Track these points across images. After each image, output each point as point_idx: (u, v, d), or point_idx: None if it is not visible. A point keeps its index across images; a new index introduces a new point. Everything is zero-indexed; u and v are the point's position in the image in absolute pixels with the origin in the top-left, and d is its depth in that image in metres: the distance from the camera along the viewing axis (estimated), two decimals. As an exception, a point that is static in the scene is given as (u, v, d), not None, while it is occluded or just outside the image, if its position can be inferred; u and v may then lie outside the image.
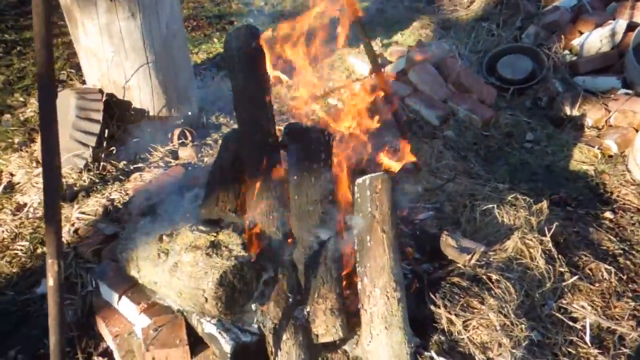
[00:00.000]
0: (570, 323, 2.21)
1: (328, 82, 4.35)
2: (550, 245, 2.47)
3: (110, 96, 3.31)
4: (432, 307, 2.09)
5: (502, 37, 4.78)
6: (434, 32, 5.18)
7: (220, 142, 3.50)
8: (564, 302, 2.30)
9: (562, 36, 4.43)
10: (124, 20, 3.06)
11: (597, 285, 2.42)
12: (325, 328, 1.92)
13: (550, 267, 2.38)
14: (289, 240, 2.03)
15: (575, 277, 2.39)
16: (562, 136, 3.68)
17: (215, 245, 1.89)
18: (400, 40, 5.14)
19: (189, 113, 3.63)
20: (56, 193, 1.32)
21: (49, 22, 1.14)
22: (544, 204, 2.71)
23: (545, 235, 2.48)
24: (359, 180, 1.99)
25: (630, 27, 4.22)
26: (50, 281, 1.33)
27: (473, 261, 2.27)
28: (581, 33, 4.50)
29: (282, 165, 2.13)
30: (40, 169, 3.17)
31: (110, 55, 3.17)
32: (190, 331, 1.99)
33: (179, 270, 1.88)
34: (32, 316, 2.41)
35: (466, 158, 3.43)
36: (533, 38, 4.63)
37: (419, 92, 4.04)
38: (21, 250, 2.71)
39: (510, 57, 4.39)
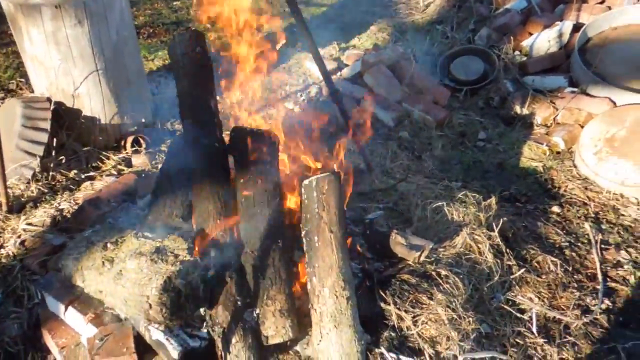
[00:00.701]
0: (518, 315, 2.27)
1: (285, 87, 4.37)
2: (498, 240, 2.53)
3: (59, 105, 3.25)
4: (383, 305, 2.11)
5: (456, 39, 4.88)
6: (391, 35, 5.25)
7: (167, 146, 3.47)
8: (511, 294, 2.36)
9: (513, 38, 4.55)
10: (71, 28, 3.01)
11: (543, 277, 2.49)
12: (275, 329, 1.92)
13: (499, 261, 2.44)
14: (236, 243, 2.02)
15: (523, 270, 2.45)
16: (512, 134, 3.78)
17: (160, 251, 1.86)
18: (357, 44, 5.20)
19: (143, 120, 3.58)
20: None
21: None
22: (493, 200, 2.77)
23: (493, 231, 2.54)
24: (306, 182, 2.00)
25: (576, 28, 4.37)
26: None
27: (422, 258, 2.31)
28: (531, 34, 4.64)
29: (230, 168, 2.12)
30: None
31: (57, 63, 3.11)
32: (139, 339, 1.95)
33: (123, 277, 1.85)
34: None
35: (420, 158, 3.49)
36: (485, 40, 4.74)
37: (374, 94, 4.09)
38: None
39: (463, 59, 4.49)
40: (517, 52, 4.50)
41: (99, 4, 3.05)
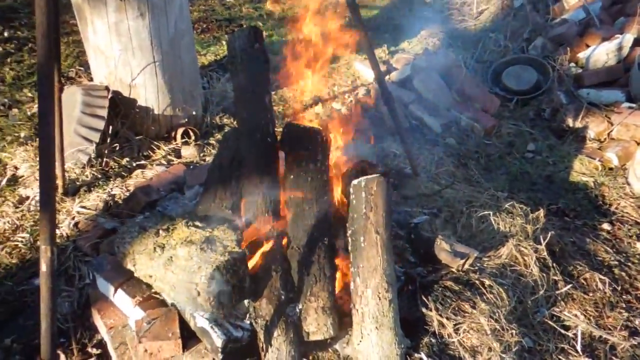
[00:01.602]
0: (562, 331, 2.21)
1: (333, 87, 4.39)
2: (545, 253, 2.47)
3: (116, 94, 3.36)
4: (424, 310, 2.10)
5: (509, 48, 4.80)
6: (441, 41, 5.20)
7: (221, 139, 3.54)
8: (556, 310, 2.30)
9: (569, 49, 4.44)
10: (133, 20, 3.11)
11: (590, 294, 2.42)
12: (317, 326, 1.94)
13: (544, 275, 2.39)
14: (284, 238, 2.05)
15: (569, 286, 2.39)
16: (563, 147, 3.68)
17: (210, 241, 1.91)
18: (407, 48, 5.17)
19: (194, 113, 3.67)
20: (51, 181, 1.34)
21: (50, 13, 1.18)
22: (541, 213, 2.71)
23: (540, 244, 2.49)
24: (355, 182, 2.01)
25: (638, 41, 4.23)
26: (43, 267, 1.36)
27: (466, 266, 2.28)
28: (588, 46, 4.51)
29: (280, 164, 2.15)
30: (44, 163, 3.21)
31: (117, 54, 3.22)
32: (183, 325, 2.01)
33: (173, 264, 1.90)
34: (28, 307, 2.44)
35: (466, 166, 3.45)
36: (540, 50, 4.65)
37: (423, 99, 4.06)
38: (21, 241, 2.74)
39: (515, 68, 4.41)
40: (572, 64, 4.39)
41: (160, -3, 3.15)
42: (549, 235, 2.51)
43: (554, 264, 2.46)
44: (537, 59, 4.44)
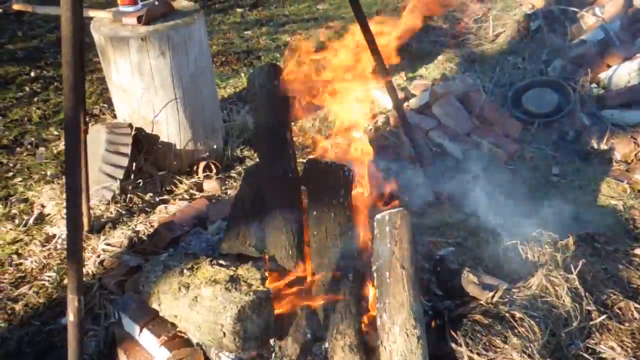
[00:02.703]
0: (599, 365, 2.13)
1: (351, 116, 4.40)
2: (577, 282, 2.40)
3: (139, 130, 3.42)
4: (453, 345, 2.05)
5: (528, 70, 4.77)
6: (459, 65, 5.20)
7: (242, 175, 3.57)
8: (591, 342, 2.22)
9: (589, 69, 4.40)
10: (155, 59, 3.18)
11: (626, 324, 2.33)
12: (344, 365, 1.90)
13: (577, 305, 2.31)
14: (308, 275, 2.03)
15: (604, 316, 2.31)
16: (589, 170, 3.61)
17: (234, 280, 1.90)
18: (424, 74, 5.18)
19: (215, 146, 3.71)
20: (78, 230, 1.36)
21: (77, 67, 1.21)
22: (570, 240, 2.65)
23: (571, 273, 2.42)
24: (378, 216, 2.00)
25: (660, 59, 4.18)
26: (71, 316, 1.37)
27: (496, 298, 2.23)
28: (609, 66, 4.47)
29: (303, 200, 2.15)
30: (70, 201, 3.27)
31: (140, 92, 3.29)
32: (209, 365, 1.99)
33: (198, 304, 1.89)
34: (56, 347, 2.45)
35: (490, 192, 3.39)
36: (559, 71, 4.61)
37: (442, 126, 4.05)
38: (48, 280, 2.77)
39: (535, 91, 4.37)
40: (593, 85, 4.34)
41: (180, 35, 3.22)
42: (580, 263, 2.44)
43: (587, 294, 2.38)
44: (558, 81, 4.40)
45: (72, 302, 1.37)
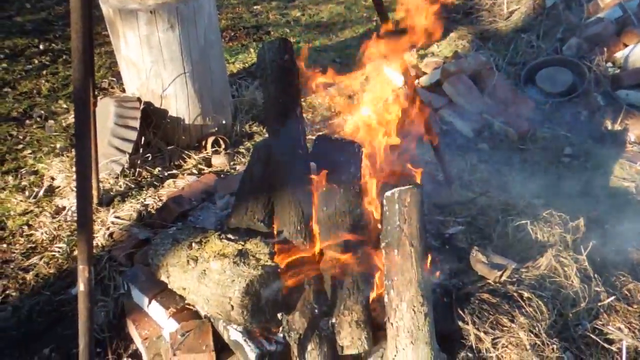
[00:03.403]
0: (606, 345, 2.13)
1: (361, 93, 4.35)
2: (586, 264, 2.39)
3: (148, 104, 3.41)
4: (460, 323, 2.05)
5: (542, 48, 4.68)
6: (471, 43, 5.11)
7: (251, 150, 3.56)
8: (599, 323, 2.22)
9: (605, 49, 4.31)
10: (163, 32, 3.15)
11: (635, 306, 2.32)
12: (351, 340, 1.91)
13: (586, 286, 2.30)
14: (316, 251, 2.03)
15: (612, 298, 2.30)
16: (602, 151, 3.57)
17: (242, 254, 1.90)
18: (436, 52, 5.10)
19: (223, 121, 3.69)
20: (88, 202, 1.36)
21: (86, 38, 1.19)
22: (581, 221, 2.63)
23: (581, 254, 2.40)
24: (388, 193, 1.98)
25: (678, 39, 4.08)
26: (81, 286, 1.38)
27: (504, 278, 2.22)
28: (626, 45, 4.37)
29: (312, 176, 2.14)
30: (80, 174, 3.28)
31: (149, 65, 3.26)
32: (217, 337, 2.01)
33: (206, 277, 1.90)
34: (66, 316, 2.49)
35: (500, 172, 3.37)
36: (575, 50, 4.52)
37: (453, 104, 4.00)
38: (58, 252, 2.80)
39: (549, 70, 4.30)
40: (609, 64, 4.26)
41: (189, 8, 3.18)
42: (590, 244, 2.42)
43: (595, 275, 2.37)
44: (572, 60, 4.32)
45: (83, 273, 1.37)
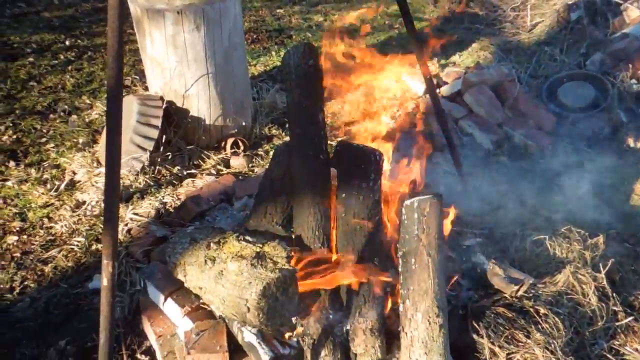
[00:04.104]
0: (622, 366, 2.11)
1: (381, 100, 4.35)
2: (604, 282, 2.36)
3: (170, 104, 3.44)
4: (475, 336, 2.04)
5: (565, 62, 4.65)
6: (494, 54, 5.09)
7: (271, 153, 3.57)
8: (616, 343, 2.19)
9: (630, 65, 4.26)
10: (189, 32, 3.19)
11: (653, 328, 2.29)
12: (364, 348, 1.91)
13: (603, 305, 2.28)
14: (334, 257, 2.04)
15: (631, 318, 2.27)
16: (623, 168, 3.53)
17: (260, 257, 1.91)
18: (457, 61, 5.09)
19: (243, 123, 3.72)
20: (116, 197, 1.38)
21: (122, 37, 1.22)
22: (601, 239, 2.60)
23: (599, 272, 2.38)
24: (407, 202, 1.98)
25: None
26: (105, 281, 1.39)
27: (520, 292, 2.21)
28: (651, 62, 4.32)
29: (332, 182, 2.14)
30: (100, 169, 3.33)
31: (173, 65, 3.30)
32: (230, 338, 2.02)
33: (224, 278, 1.91)
34: (82, 310, 2.52)
35: (519, 185, 3.34)
36: (598, 65, 4.47)
37: (473, 115, 3.98)
38: (77, 245, 2.84)
39: (572, 84, 4.26)
40: (633, 81, 4.21)
41: (215, 10, 3.21)
42: (610, 262, 2.40)
43: (614, 294, 2.34)
44: (596, 75, 4.28)
45: (107, 267, 1.39)
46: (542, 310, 2.14)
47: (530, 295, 2.22)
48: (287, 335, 1.93)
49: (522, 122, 3.89)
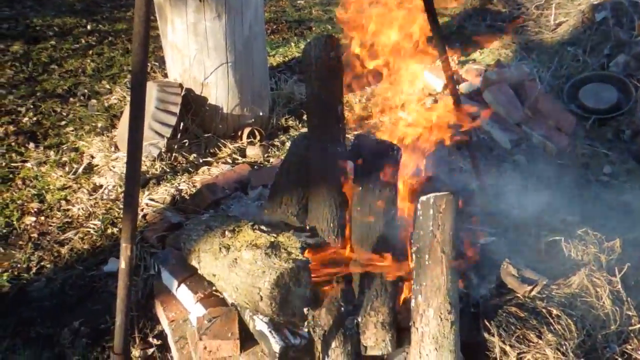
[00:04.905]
0: (634, 371, 2.08)
1: (400, 95, 4.33)
2: (619, 286, 2.33)
3: (189, 91, 3.46)
4: (486, 335, 2.03)
5: (588, 63, 4.58)
6: (515, 53, 5.04)
7: (287, 144, 3.58)
8: (628, 347, 2.16)
9: (654, 67, 4.19)
10: (210, 21, 3.19)
11: (667, 335, 2.26)
12: (375, 341, 1.91)
13: (617, 309, 2.25)
14: (348, 249, 2.04)
15: (644, 324, 2.25)
16: (643, 173, 3.48)
17: (274, 246, 1.92)
18: (478, 59, 5.04)
19: (261, 113, 3.73)
20: (136, 182, 1.40)
21: (148, 24, 1.22)
22: (617, 242, 2.56)
23: (614, 276, 2.35)
24: (423, 198, 1.97)
25: None
26: (122, 264, 1.41)
27: (534, 293, 2.19)
28: (675, 66, 4.24)
29: (348, 175, 2.14)
30: (117, 154, 3.36)
31: (194, 53, 3.31)
32: (242, 326, 2.04)
33: (237, 266, 1.93)
34: (97, 292, 2.56)
35: (536, 185, 3.31)
36: (622, 67, 4.40)
37: (492, 113, 3.94)
38: (93, 228, 2.87)
39: (594, 86, 4.20)
40: (657, 84, 4.14)
41: (237, -1, 3.22)
42: (626, 267, 2.37)
43: (629, 298, 2.32)
44: (619, 77, 4.21)
45: (125, 251, 1.41)
46: (554, 312, 2.12)
47: (544, 296, 2.20)
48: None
49: (541, 122, 3.85)
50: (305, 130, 3.52)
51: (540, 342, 2.01)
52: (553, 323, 2.09)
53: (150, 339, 2.31)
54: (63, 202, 3.07)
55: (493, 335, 2.02)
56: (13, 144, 3.52)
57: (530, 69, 4.42)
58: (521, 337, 2.03)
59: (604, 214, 3.12)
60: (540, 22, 5.62)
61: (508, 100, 3.96)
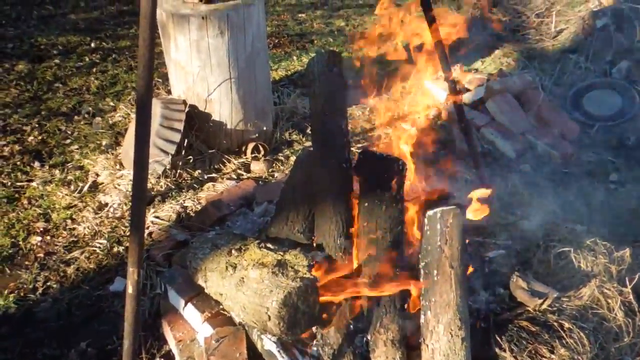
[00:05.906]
0: (649, 385, 2.05)
1: (402, 107, 4.33)
2: (631, 297, 2.30)
3: (193, 107, 3.47)
4: (497, 350, 2.01)
5: (591, 70, 4.57)
6: (517, 61, 5.03)
7: (292, 158, 3.58)
8: (642, 360, 2.14)
9: (658, 73, 4.18)
10: (213, 38, 3.21)
11: (681, 346, 2.23)
12: (385, 359, 1.89)
13: (630, 320, 2.22)
14: (355, 266, 2.02)
15: (658, 335, 2.22)
16: (650, 180, 3.45)
17: (281, 265, 1.91)
18: (480, 68, 5.04)
19: (264, 128, 3.73)
20: (143, 204, 1.39)
21: (153, 46, 1.23)
22: (627, 252, 2.54)
23: (626, 286, 2.32)
24: (430, 213, 1.96)
25: None
26: (130, 289, 1.40)
27: (544, 306, 2.17)
28: (679, 71, 4.23)
29: (354, 190, 2.13)
30: (122, 172, 3.36)
31: (197, 70, 3.32)
32: (250, 345, 2.02)
33: (245, 285, 1.91)
34: (103, 312, 2.54)
35: (542, 195, 3.29)
36: (625, 74, 4.40)
37: (496, 123, 3.94)
38: (99, 247, 2.87)
39: (597, 92, 4.19)
40: (661, 90, 4.12)
41: (240, 16, 3.23)
42: (637, 277, 2.34)
43: (641, 309, 2.29)
44: (622, 84, 4.20)
45: (132, 275, 1.40)
46: (566, 325, 2.10)
47: (555, 309, 2.18)
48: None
49: (545, 131, 3.83)
50: (309, 144, 3.53)
51: (552, 356, 1.99)
52: (565, 337, 2.06)
53: (158, 359, 2.29)
54: (69, 221, 3.07)
55: (505, 351, 1.99)
56: (18, 163, 3.53)
57: (532, 77, 4.42)
58: (533, 352, 2.00)
59: (612, 222, 3.09)
60: (541, 30, 5.62)
61: (511, 110, 3.95)
